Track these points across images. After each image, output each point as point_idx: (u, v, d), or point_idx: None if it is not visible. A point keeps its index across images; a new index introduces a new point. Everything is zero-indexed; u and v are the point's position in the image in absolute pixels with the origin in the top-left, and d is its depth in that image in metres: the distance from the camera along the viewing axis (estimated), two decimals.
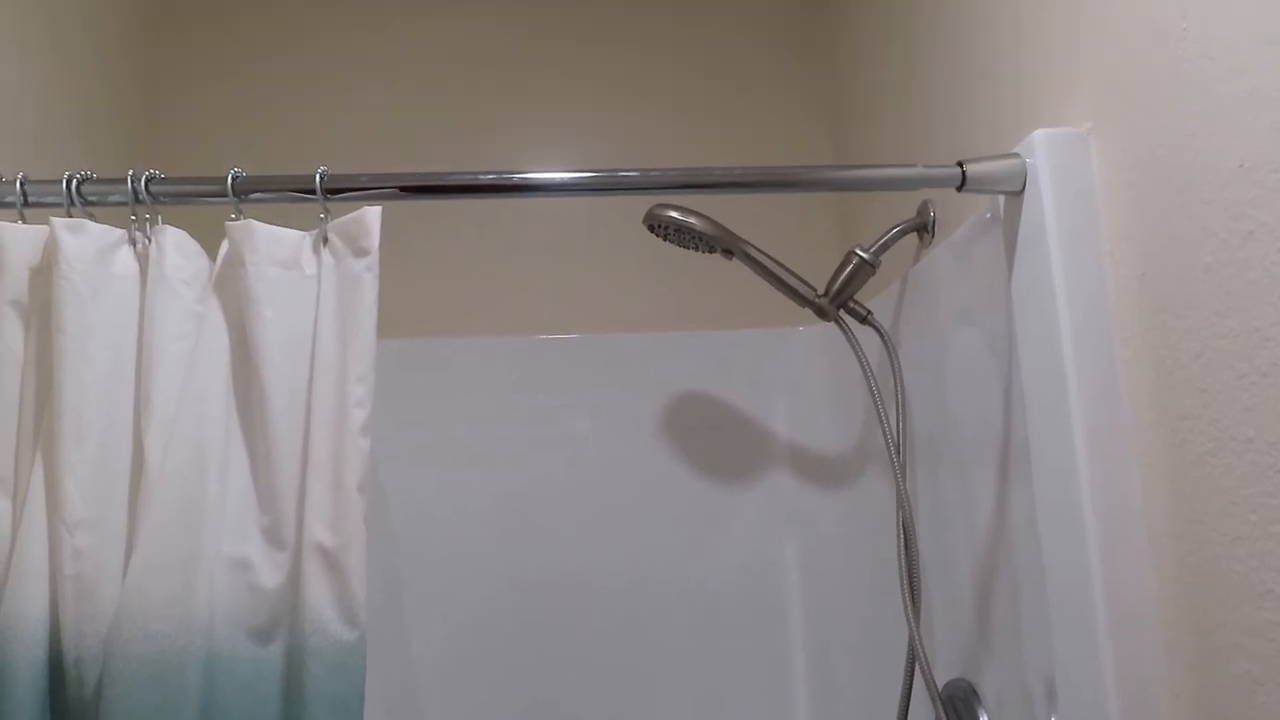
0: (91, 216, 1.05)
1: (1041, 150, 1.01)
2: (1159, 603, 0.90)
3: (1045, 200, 1.00)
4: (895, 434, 1.38)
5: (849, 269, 1.39)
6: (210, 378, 1.00)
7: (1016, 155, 1.05)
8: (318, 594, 0.94)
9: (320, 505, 0.96)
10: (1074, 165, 1.00)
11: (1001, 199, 1.09)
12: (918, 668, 1.24)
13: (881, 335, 1.42)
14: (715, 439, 1.76)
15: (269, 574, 0.97)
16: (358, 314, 1.01)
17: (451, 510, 1.68)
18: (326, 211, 1.05)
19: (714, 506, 1.73)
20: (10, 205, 1.05)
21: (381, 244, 1.02)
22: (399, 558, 1.62)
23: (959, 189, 1.07)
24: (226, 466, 0.98)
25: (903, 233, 1.40)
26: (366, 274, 1.01)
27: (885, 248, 1.39)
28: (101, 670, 0.91)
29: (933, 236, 1.40)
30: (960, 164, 1.07)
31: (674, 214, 1.40)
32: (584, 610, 1.67)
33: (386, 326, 1.08)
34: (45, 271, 1.00)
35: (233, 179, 1.04)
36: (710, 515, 1.72)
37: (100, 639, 0.92)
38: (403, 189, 1.07)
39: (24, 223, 1.05)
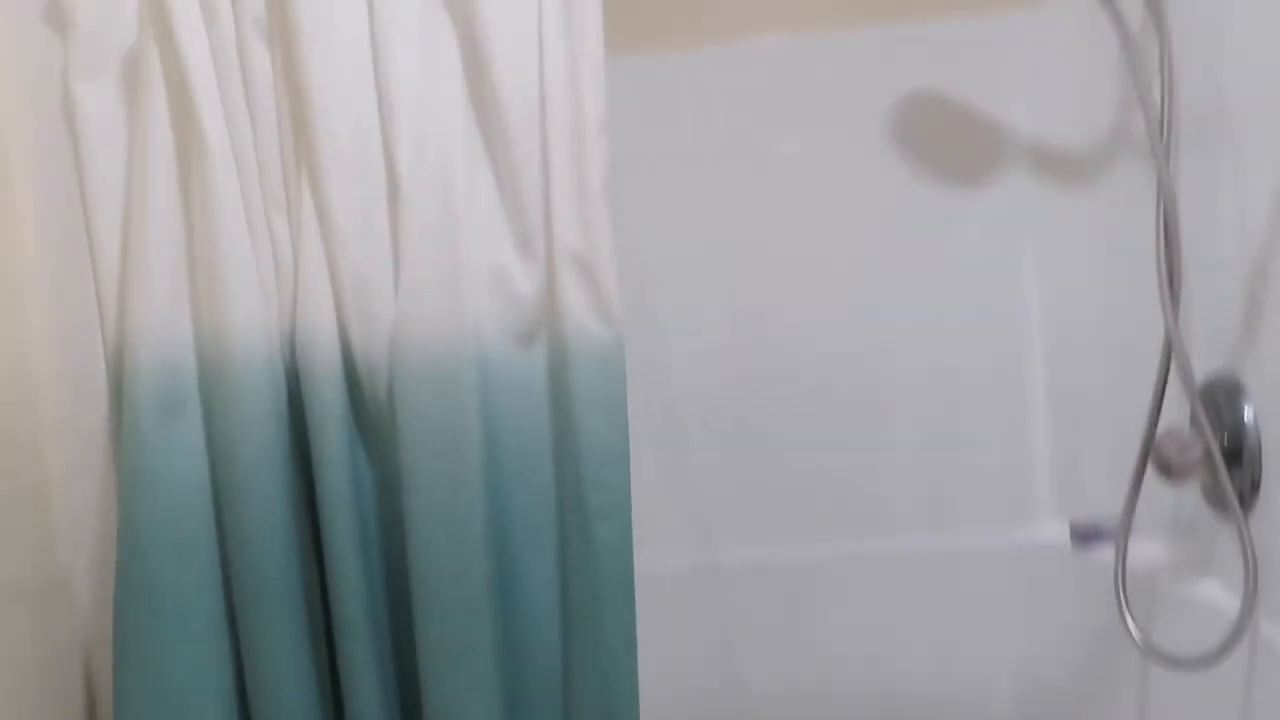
0: None
1: None
2: None
3: None
4: (1159, 111, 1.24)
5: None
6: (445, 86, 0.99)
7: None
8: (573, 297, 0.97)
9: (566, 208, 0.96)
10: None
11: None
12: (1174, 361, 1.18)
13: None
14: (949, 142, 1.64)
15: (525, 281, 1.00)
16: (583, 8, 0.96)
17: (676, 239, 1.67)
18: None
19: (948, 209, 1.64)
20: None
21: None
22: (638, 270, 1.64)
23: None
24: (473, 177, 0.99)
25: None
26: None
27: None
28: (389, 375, 0.99)
29: None
30: None
31: None
32: (814, 325, 1.65)
33: None
34: None
35: None
36: (944, 219, 1.64)
37: (384, 347, 0.99)
38: None
39: None
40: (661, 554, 1.55)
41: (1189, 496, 1.24)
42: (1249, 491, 1.13)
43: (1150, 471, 1.19)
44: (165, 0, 0.98)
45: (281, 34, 1.00)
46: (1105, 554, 1.32)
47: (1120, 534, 1.25)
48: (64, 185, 1.04)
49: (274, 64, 1.01)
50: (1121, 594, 1.23)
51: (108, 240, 1.02)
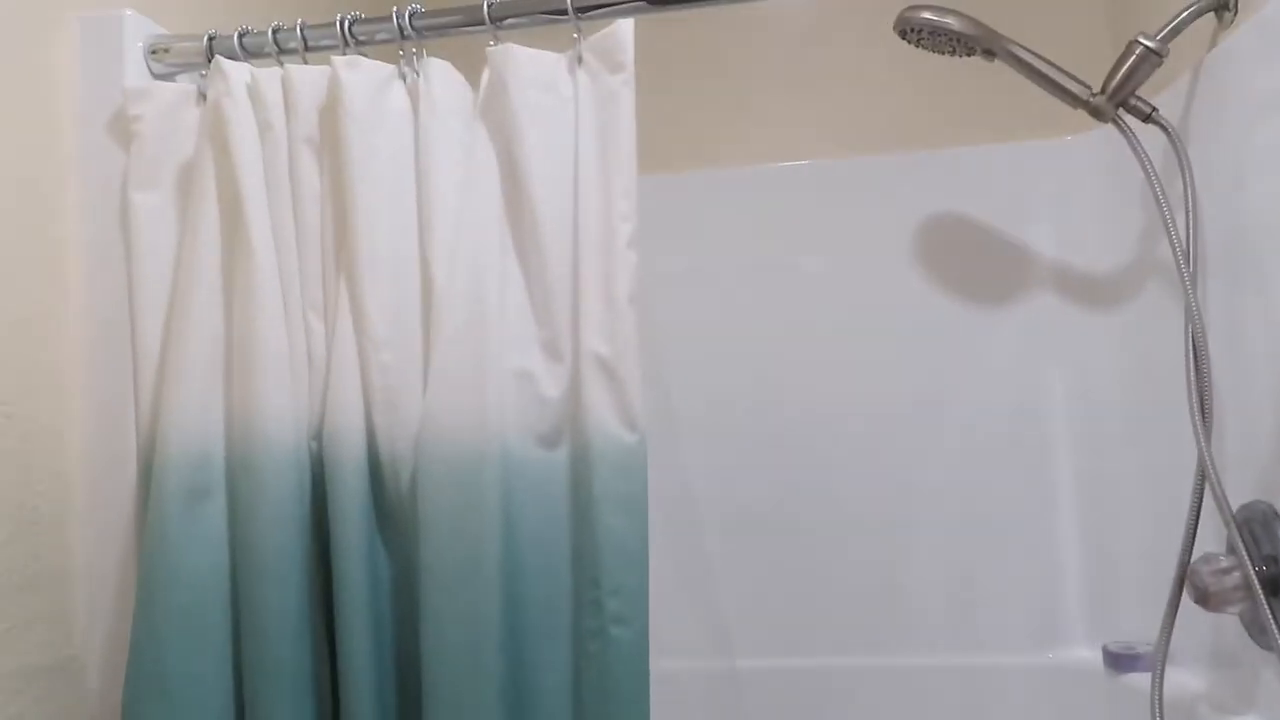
0: (363, 55, 1.10)
1: None
2: None
3: None
4: (1184, 241, 1.26)
5: (1131, 60, 1.25)
6: (483, 203, 1.04)
7: None
8: (597, 401, 0.98)
9: (594, 317, 0.99)
10: None
11: None
12: (1208, 488, 1.16)
13: (1168, 133, 1.28)
14: (973, 264, 1.67)
15: (550, 384, 1.02)
16: (617, 130, 1.02)
17: (706, 342, 1.70)
18: (579, 31, 1.05)
19: (975, 331, 1.65)
20: (293, 51, 1.12)
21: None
22: (664, 379, 1.66)
23: None
24: (505, 285, 1.03)
25: (1197, 14, 1.23)
26: (623, 89, 1.02)
27: (1175, 33, 1.24)
28: (413, 471, 1.00)
29: (1234, 14, 1.23)
30: None
31: (928, 14, 1.30)
32: (837, 440, 1.66)
33: None
34: (330, 109, 1.06)
35: (488, 5, 1.06)
36: (972, 341, 1.65)
37: (410, 443, 1.01)
38: (650, 1, 1.05)
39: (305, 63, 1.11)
40: (679, 659, 1.52)
41: (1228, 626, 1.20)
42: None
43: (1186, 598, 1.15)
44: (224, 114, 1.06)
45: (331, 149, 1.06)
46: (1141, 680, 1.27)
47: (1157, 661, 1.20)
48: (112, 281, 1.10)
49: (321, 176, 1.07)
50: None
51: (149, 337, 1.07)
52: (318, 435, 1.03)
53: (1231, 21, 1.24)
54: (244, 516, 0.99)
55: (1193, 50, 1.32)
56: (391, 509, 1.02)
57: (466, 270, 1.02)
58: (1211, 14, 1.26)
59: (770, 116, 1.77)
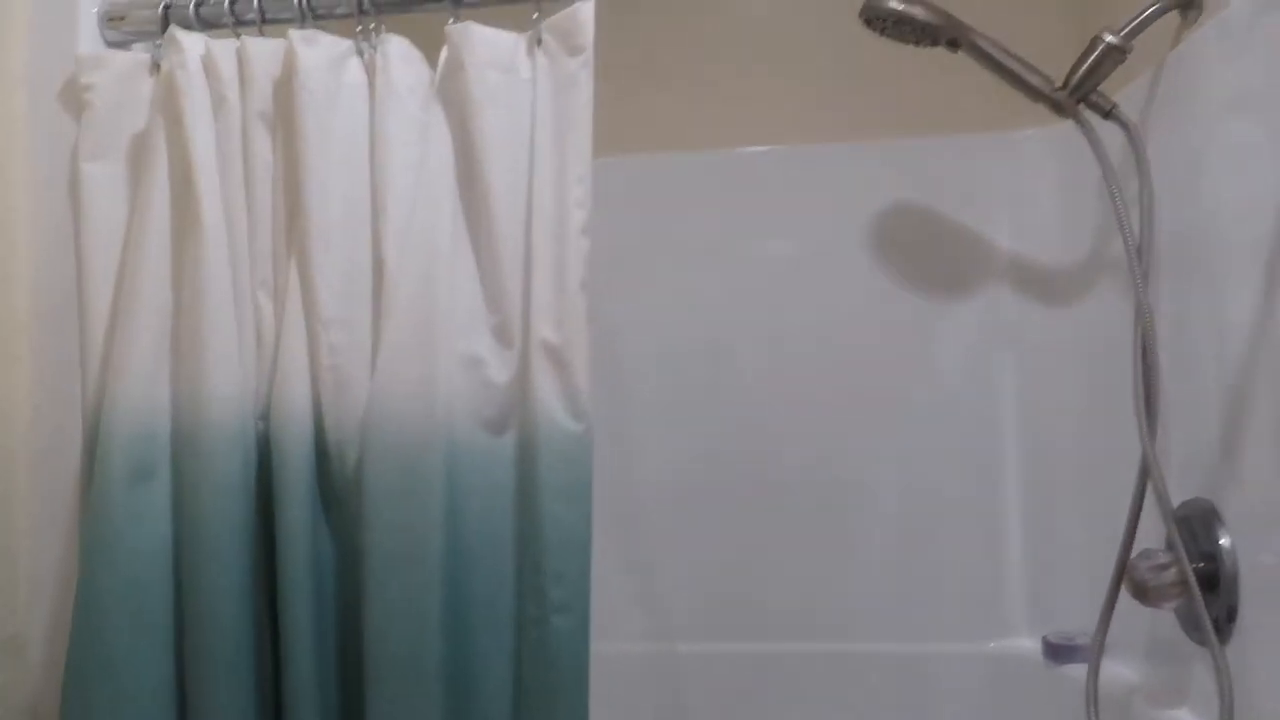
0: (321, 28, 1.08)
1: None
2: None
3: None
4: (1138, 239, 1.27)
5: (1094, 56, 1.25)
6: (437, 184, 1.04)
7: None
8: (545, 388, 0.98)
9: (545, 304, 0.99)
10: None
11: None
12: (1150, 485, 1.18)
13: (1128, 130, 1.28)
14: (930, 254, 1.67)
15: (499, 369, 1.02)
16: (574, 114, 1.01)
17: (657, 333, 1.70)
18: (539, 10, 1.04)
19: (927, 322, 1.67)
20: (250, 22, 1.11)
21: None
22: (617, 364, 1.66)
23: None
24: (456, 268, 1.03)
25: (1162, 10, 1.23)
26: (581, 72, 1.01)
27: (1139, 29, 1.24)
28: (359, 453, 1.00)
29: (1199, 12, 1.23)
30: None
31: (894, 3, 1.29)
32: (786, 427, 1.67)
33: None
34: (286, 84, 1.05)
35: None
36: (923, 332, 1.66)
37: (356, 426, 1.01)
38: None
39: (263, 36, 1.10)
40: (620, 643, 1.53)
41: (1165, 621, 1.23)
42: (1224, 620, 1.11)
43: (1125, 593, 1.17)
44: (178, 86, 1.04)
45: (285, 125, 1.05)
46: (1079, 671, 1.30)
47: (1094, 653, 1.23)
48: (61, 253, 1.09)
49: (275, 151, 1.06)
50: (1093, 715, 1.20)
51: (96, 312, 1.06)
52: (265, 415, 1.02)
53: (1196, 20, 1.24)
54: (188, 496, 0.99)
55: (1156, 48, 1.33)
56: (337, 492, 1.02)
57: (418, 252, 1.02)
58: (1176, 12, 1.26)
59: (731, 100, 1.76)
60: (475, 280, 1.04)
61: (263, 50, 1.06)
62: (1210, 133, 1.17)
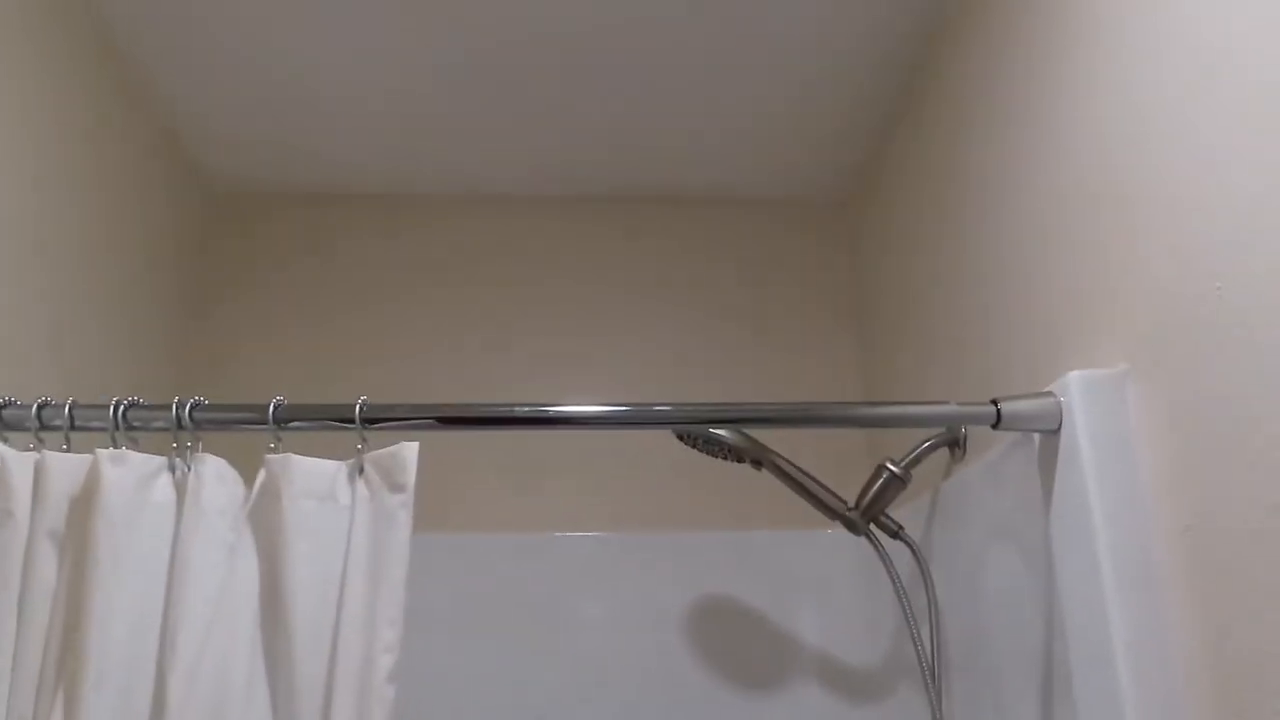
0: (135, 442, 1.06)
1: (1076, 391, 1.01)
2: None
3: (1082, 445, 0.99)
4: (929, 653, 1.35)
5: (880, 483, 1.38)
6: (238, 617, 0.99)
7: (1050, 394, 1.05)
8: None
9: None
10: (1110, 408, 1.00)
11: (1037, 435, 1.09)
12: None
13: (914, 551, 1.40)
14: (740, 643, 1.71)
15: None
16: (390, 552, 1.00)
17: (471, 704, 1.63)
18: (364, 441, 1.06)
19: (737, 715, 1.66)
20: (57, 429, 1.07)
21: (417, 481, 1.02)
22: None
23: (994, 427, 1.08)
24: (249, 709, 0.96)
25: (933, 448, 1.40)
26: (401, 510, 1.01)
27: (916, 462, 1.39)
28: None
29: (964, 453, 1.39)
30: (995, 402, 1.08)
31: (705, 427, 1.40)
32: None
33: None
34: (84, 501, 1.00)
35: (274, 408, 1.06)
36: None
37: None
38: (440, 420, 1.08)
39: (68, 446, 1.06)
40: None
41: None
42: None
43: None
44: None
45: (75, 546, 0.99)
46: None
47: None
48: None
49: (59, 572, 0.99)
50: None
51: None
52: None
53: (962, 458, 1.41)
54: None
55: (933, 473, 1.48)
56: None
57: (207, 692, 0.94)
58: (945, 449, 1.42)
59: (558, 489, 1.83)
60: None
61: (63, 466, 1.02)
62: (981, 554, 1.29)
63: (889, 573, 1.38)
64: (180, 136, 1.83)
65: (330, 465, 1.05)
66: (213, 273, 1.96)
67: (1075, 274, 1.11)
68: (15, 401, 1.09)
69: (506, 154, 1.91)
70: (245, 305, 1.94)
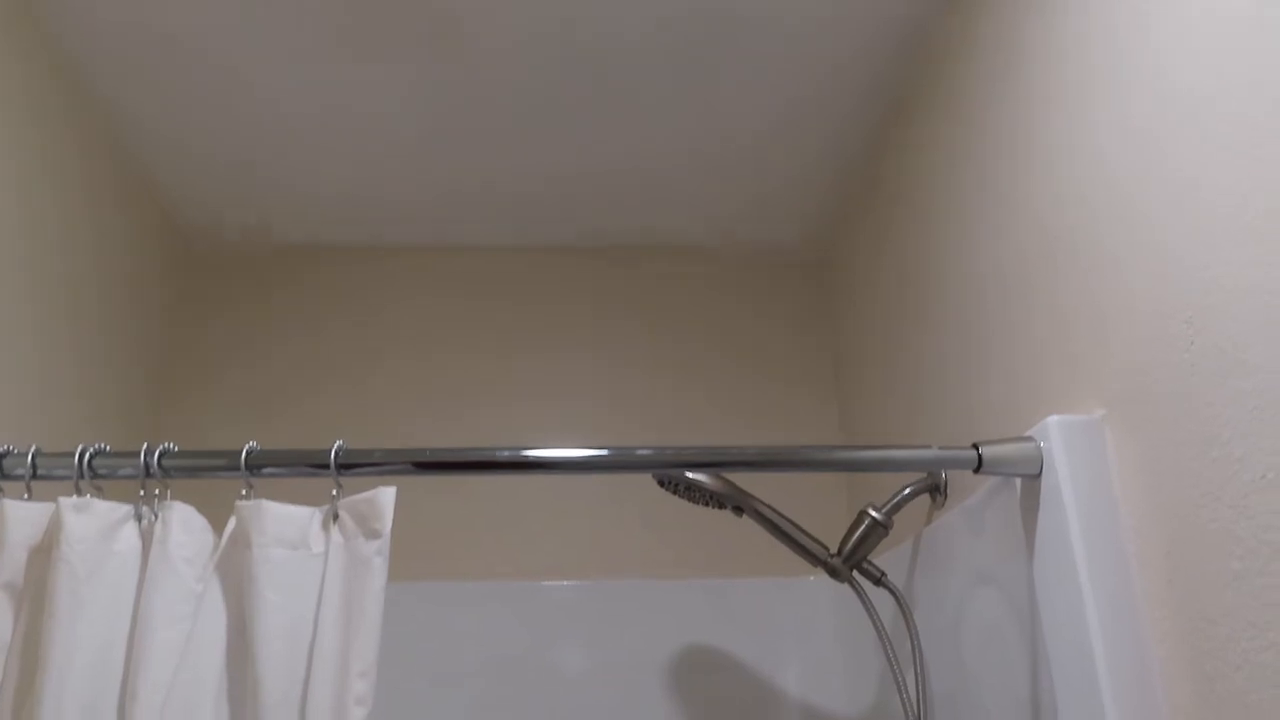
0: (100, 490, 1.03)
1: (1056, 436, 1.01)
2: None
3: (1064, 489, 0.99)
4: (915, 700, 1.32)
5: (861, 529, 1.37)
6: (202, 667, 0.95)
7: (1031, 439, 1.05)
8: None
9: None
10: (1090, 452, 1.00)
11: (1018, 480, 1.09)
12: None
13: (896, 597, 1.38)
14: (721, 693, 1.68)
15: None
16: (364, 601, 0.97)
17: None
18: (339, 487, 1.04)
19: None
20: (19, 478, 1.04)
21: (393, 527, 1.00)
22: None
23: (976, 471, 1.07)
24: None
25: (915, 494, 1.39)
26: (376, 558, 0.99)
27: (898, 508, 1.37)
28: None
29: (945, 498, 1.39)
30: (975, 446, 1.07)
31: (687, 471, 1.39)
32: None
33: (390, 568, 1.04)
34: (45, 551, 0.97)
35: (247, 453, 1.04)
36: None
37: None
38: (416, 465, 1.06)
39: (30, 495, 1.03)
40: None
41: None
42: None
43: None
44: None
45: (34, 598, 0.96)
46: None
47: None
48: None
49: (15, 624, 0.96)
50: None
51: None
52: None
53: (943, 503, 1.40)
54: None
55: (915, 518, 1.47)
56: None
57: None
58: (926, 494, 1.42)
59: (538, 536, 1.80)
60: None
61: (24, 516, 0.99)
62: (965, 599, 1.28)
63: (872, 620, 1.36)
64: (155, 188, 1.81)
65: (303, 511, 1.03)
66: (182, 326, 1.93)
67: (1051, 320, 1.11)
68: None
69: (481, 205, 1.91)
70: (216, 357, 1.91)
